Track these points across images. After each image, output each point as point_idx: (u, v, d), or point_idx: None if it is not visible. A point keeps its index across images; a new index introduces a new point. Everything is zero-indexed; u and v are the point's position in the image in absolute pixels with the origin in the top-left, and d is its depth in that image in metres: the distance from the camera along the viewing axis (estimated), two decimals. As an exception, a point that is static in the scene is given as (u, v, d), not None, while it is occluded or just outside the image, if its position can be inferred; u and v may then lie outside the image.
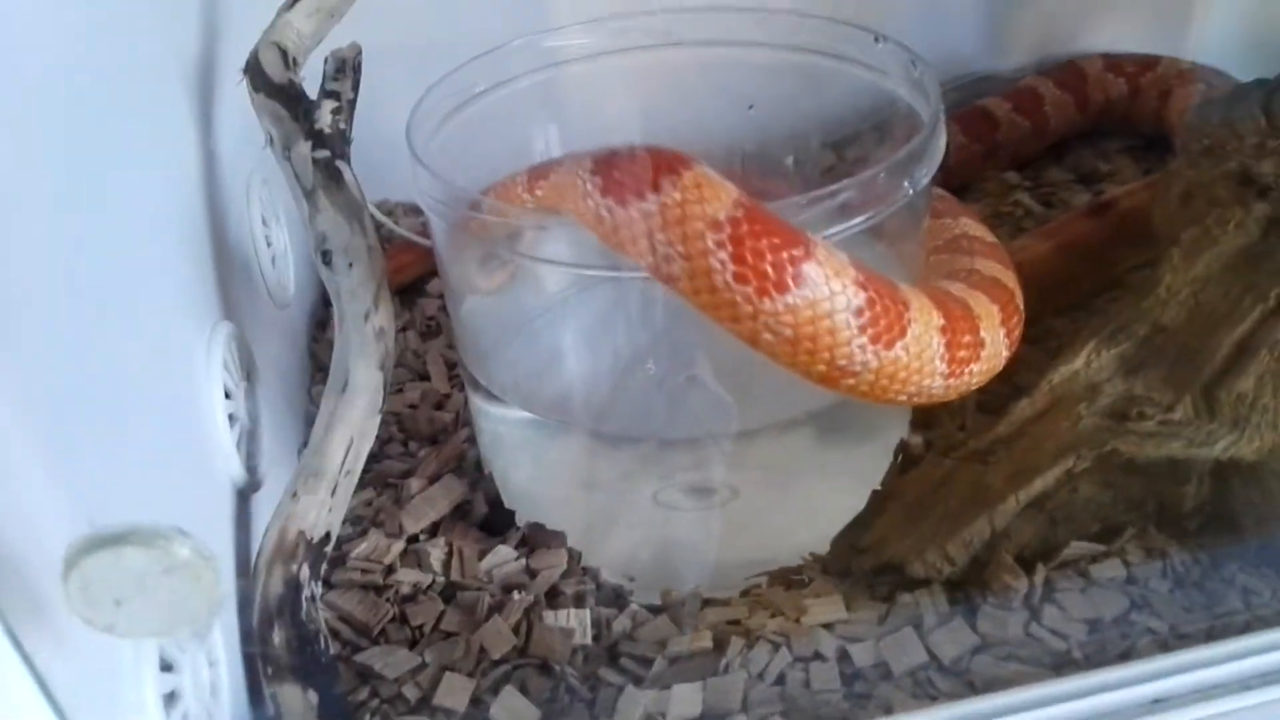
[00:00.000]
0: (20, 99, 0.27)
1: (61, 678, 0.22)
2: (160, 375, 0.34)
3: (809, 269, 0.34)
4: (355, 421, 0.38)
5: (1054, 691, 0.36)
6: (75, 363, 0.28)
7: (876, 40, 0.50)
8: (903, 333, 0.36)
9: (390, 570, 0.45)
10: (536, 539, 0.47)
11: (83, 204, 0.31)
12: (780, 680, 0.40)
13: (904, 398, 0.38)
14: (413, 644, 0.42)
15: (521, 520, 0.48)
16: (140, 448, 0.31)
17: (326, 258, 0.39)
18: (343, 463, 0.38)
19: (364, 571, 0.45)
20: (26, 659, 0.21)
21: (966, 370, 0.39)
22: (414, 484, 0.49)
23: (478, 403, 0.51)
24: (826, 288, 0.34)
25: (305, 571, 0.36)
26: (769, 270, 0.34)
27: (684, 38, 0.55)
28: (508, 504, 0.49)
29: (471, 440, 0.53)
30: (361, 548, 0.46)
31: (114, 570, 0.20)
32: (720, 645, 0.41)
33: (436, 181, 0.42)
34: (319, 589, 0.37)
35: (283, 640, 0.35)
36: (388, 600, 0.43)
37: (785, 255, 0.34)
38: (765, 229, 0.34)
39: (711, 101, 0.57)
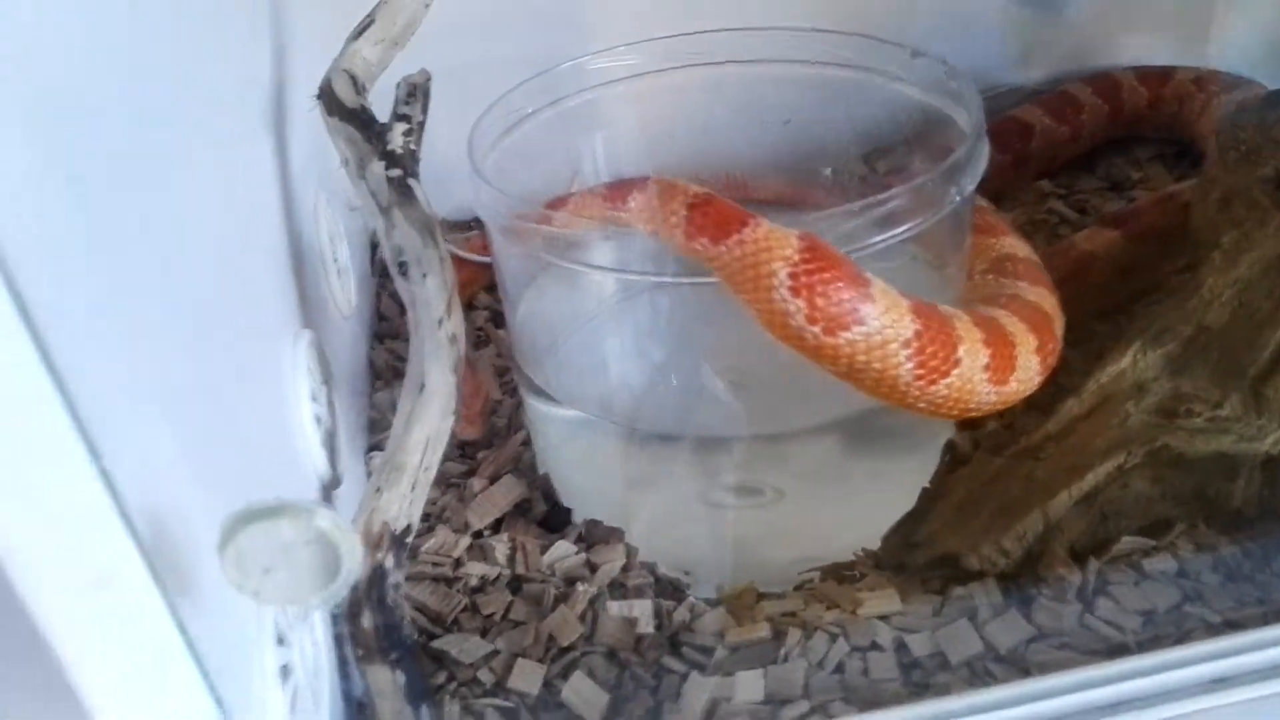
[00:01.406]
0: (138, 128, 0.30)
1: (202, 645, 0.24)
2: (259, 377, 0.37)
3: (866, 309, 0.38)
4: (431, 421, 0.40)
5: (1107, 673, 0.37)
6: (195, 367, 0.30)
7: (913, 55, 0.52)
8: (955, 365, 0.39)
9: (459, 563, 0.47)
10: (595, 535, 0.49)
11: (195, 222, 0.33)
12: (839, 669, 0.42)
13: (954, 414, 0.41)
14: (484, 632, 0.44)
15: (579, 517, 0.50)
16: (245, 443, 0.33)
17: (403, 269, 0.41)
18: (421, 459, 0.40)
19: (434, 564, 0.47)
20: (182, 627, 0.23)
21: (1007, 389, 0.42)
22: (476, 483, 0.51)
23: (534, 405, 0.53)
24: (881, 322, 0.38)
25: (390, 560, 0.38)
26: (834, 311, 0.37)
27: (723, 56, 0.57)
28: (565, 502, 0.51)
29: (527, 443, 0.55)
30: (431, 542, 0.48)
31: (265, 541, 0.22)
32: (778, 636, 0.43)
33: (499, 195, 0.44)
34: (402, 577, 0.39)
35: (371, 624, 0.37)
36: (458, 591, 0.45)
37: (848, 295, 0.37)
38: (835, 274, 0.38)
39: (750, 116, 0.59)
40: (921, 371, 0.38)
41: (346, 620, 0.38)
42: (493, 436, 0.56)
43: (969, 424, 0.52)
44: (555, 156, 0.56)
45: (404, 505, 0.39)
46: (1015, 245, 0.51)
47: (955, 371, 0.39)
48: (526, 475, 0.52)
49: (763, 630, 0.44)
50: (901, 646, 0.42)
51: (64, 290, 0.21)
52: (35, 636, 0.18)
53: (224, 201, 0.38)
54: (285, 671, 0.30)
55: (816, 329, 0.37)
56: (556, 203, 0.45)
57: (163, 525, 0.23)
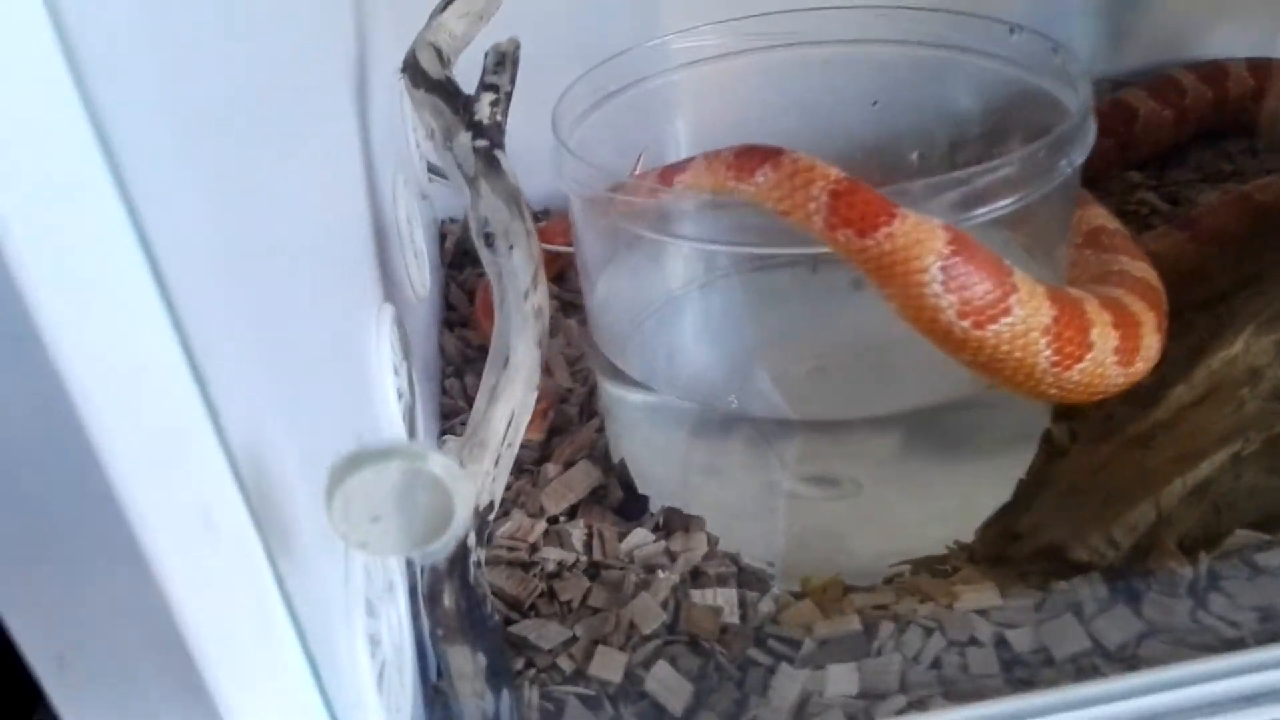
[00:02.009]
0: (254, 97, 0.29)
1: (297, 603, 0.23)
2: (346, 344, 0.36)
3: (1012, 299, 0.37)
4: (515, 396, 0.39)
5: (1225, 666, 0.35)
6: (290, 325, 0.29)
7: (1011, 31, 0.50)
8: (1089, 349, 0.37)
9: (534, 548, 0.46)
10: (674, 523, 0.47)
11: (299, 187, 0.33)
12: (936, 664, 0.40)
13: (1082, 399, 0.40)
14: (562, 618, 0.42)
15: (655, 505, 0.49)
16: (333, 408, 0.32)
17: (489, 240, 0.40)
18: (504, 435, 0.39)
19: (510, 549, 0.45)
20: (280, 579, 0.22)
21: (1134, 369, 0.40)
22: (550, 469, 0.50)
23: (609, 390, 0.51)
24: (1024, 311, 0.37)
25: (472, 537, 0.37)
26: (983, 304, 0.36)
27: (809, 36, 0.56)
28: (641, 489, 0.50)
29: (601, 430, 0.53)
30: (506, 526, 0.47)
31: (375, 486, 0.21)
32: (870, 629, 0.41)
33: (589, 167, 0.43)
34: (483, 555, 0.38)
35: (452, 602, 0.36)
36: (535, 576, 0.44)
37: (996, 287, 0.36)
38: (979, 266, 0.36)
39: (836, 98, 0.57)
40: (1058, 358, 0.37)
41: (426, 599, 0.36)
42: (564, 424, 0.55)
43: (1065, 414, 0.49)
44: (637, 137, 0.54)
45: (486, 481, 0.38)
46: (1104, 216, 0.49)
47: (1089, 356, 0.37)
48: (601, 462, 0.51)
49: (853, 623, 0.42)
50: (1002, 642, 0.40)
51: (181, 233, 0.20)
52: (141, 569, 0.17)
53: (321, 172, 0.37)
54: (374, 643, 0.29)
55: (966, 323, 0.36)
56: (666, 172, 0.43)
57: (262, 474, 0.22)
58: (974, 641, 0.40)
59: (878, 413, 0.48)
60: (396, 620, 0.32)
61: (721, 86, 0.56)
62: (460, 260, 0.70)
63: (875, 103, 0.56)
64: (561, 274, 0.68)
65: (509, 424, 0.39)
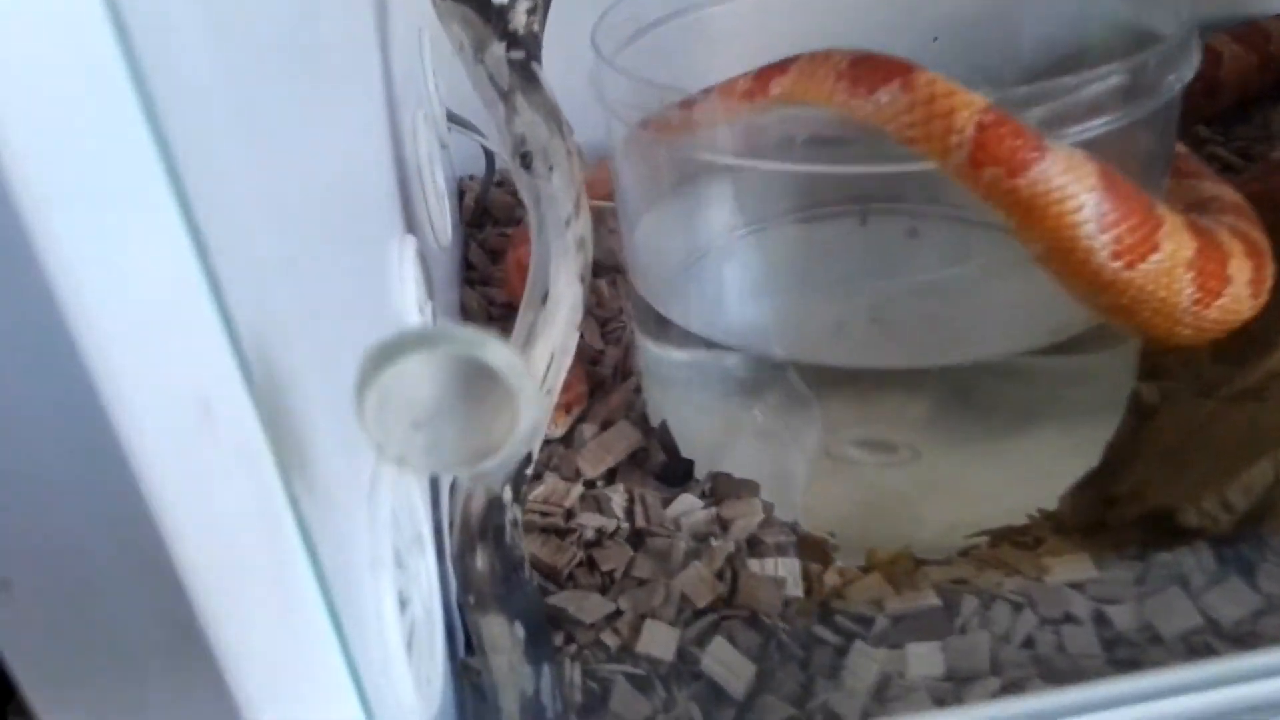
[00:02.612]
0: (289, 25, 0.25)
1: (318, 542, 0.19)
2: (369, 271, 0.31)
3: (1160, 234, 0.33)
4: (555, 336, 0.34)
5: None
6: (312, 242, 0.24)
7: None
8: (1227, 282, 0.34)
9: (570, 514, 0.41)
10: (724, 488, 0.42)
11: (327, 105, 0.28)
12: (1029, 643, 0.35)
13: (1212, 336, 0.36)
14: (603, 589, 0.38)
15: (700, 471, 0.44)
16: (354, 332, 0.28)
17: (526, 160, 0.35)
18: (544, 379, 0.34)
19: (544, 514, 0.41)
20: (294, 505, 0.17)
21: (1259, 301, 0.36)
22: (586, 429, 0.45)
23: (650, 348, 0.47)
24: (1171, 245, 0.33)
25: (508, 492, 0.32)
26: (1135, 241, 0.32)
27: (862, -34, 0.51)
28: (685, 453, 0.45)
29: (638, 390, 0.49)
30: (539, 491, 0.42)
31: (417, 381, 0.16)
32: (950, 605, 0.37)
33: (639, 85, 0.39)
34: (520, 514, 0.33)
35: (486, 565, 0.31)
36: (572, 544, 0.39)
37: (1145, 222, 0.33)
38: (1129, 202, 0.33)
39: (892, 34, 0.53)
40: (1200, 295, 0.33)
41: (456, 561, 0.32)
42: (597, 387, 0.50)
43: (1150, 371, 0.45)
44: (680, 72, 0.50)
45: (524, 430, 0.33)
46: (1220, 189, 0.44)
47: (1228, 290, 0.33)
48: (639, 424, 0.47)
49: (930, 599, 0.37)
50: (1101, 618, 0.36)
51: (201, 133, 0.16)
52: (124, 470, 0.12)
53: (343, 90, 0.33)
54: (402, 601, 0.24)
55: (1119, 264, 0.33)
56: (762, 74, 0.37)
57: (274, 379, 0.18)
58: (1069, 618, 0.36)
59: (941, 362, 0.44)
60: (426, 578, 0.27)
61: (767, 22, 0.51)
62: (480, 219, 0.66)
63: (935, 39, 0.52)
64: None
65: (548, 366, 0.34)
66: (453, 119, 0.62)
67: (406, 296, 0.34)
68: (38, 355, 0.12)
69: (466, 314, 0.55)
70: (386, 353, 0.16)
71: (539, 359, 0.34)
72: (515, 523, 0.33)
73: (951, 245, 0.50)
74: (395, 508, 0.25)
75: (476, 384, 0.17)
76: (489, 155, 0.64)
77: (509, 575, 0.32)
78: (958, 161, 0.32)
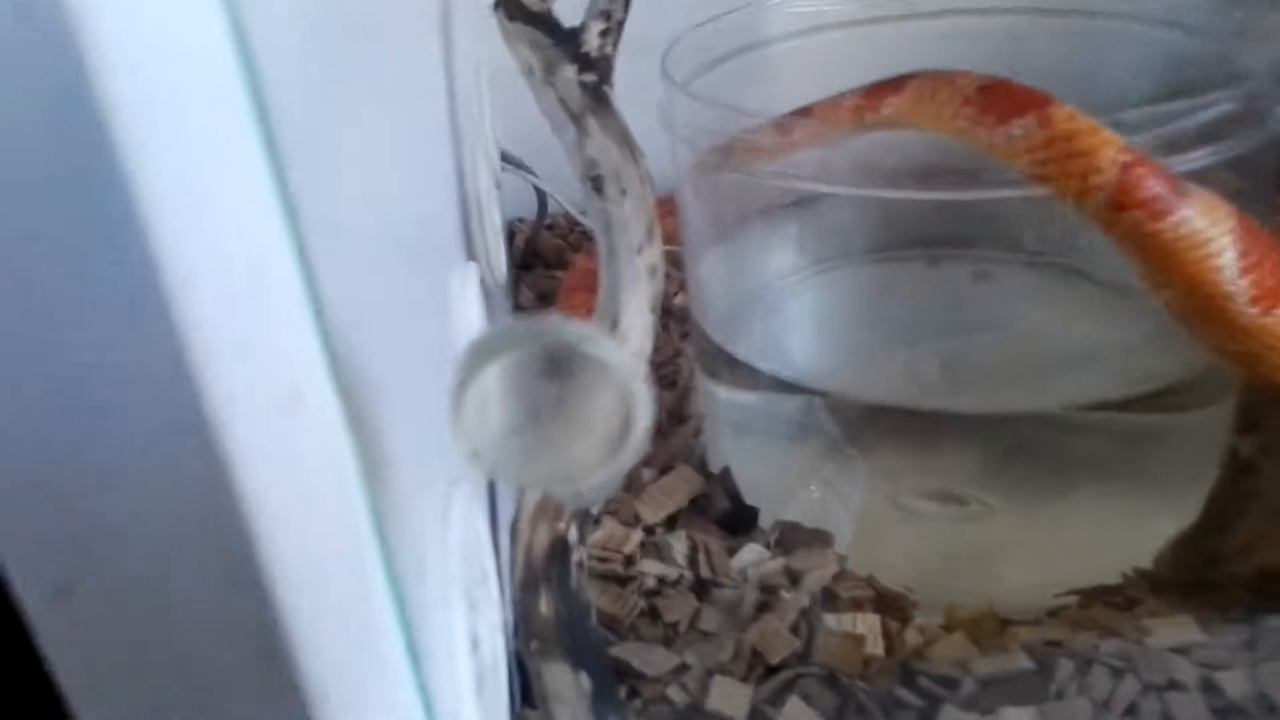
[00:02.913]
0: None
1: (398, 564, 0.17)
2: (438, 295, 0.30)
3: None
4: (627, 366, 0.33)
5: None
6: (393, 267, 0.23)
7: None
8: None
9: (630, 561, 0.39)
10: (793, 538, 0.40)
11: (402, 121, 0.27)
12: (1132, 711, 0.32)
13: None
14: (668, 642, 0.35)
15: (765, 520, 0.42)
16: (425, 361, 0.26)
17: (598, 184, 0.34)
18: (613, 412, 0.32)
19: (602, 560, 0.39)
20: (376, 520, 0.16)
21: None
22: (645, 473, 0.43)
23: (713, 389, 0.45)
24: None
25: (573, 533, 0.30)
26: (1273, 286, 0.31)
27: (930, 7, 0.50)
28: (749, 500, 0.43)
29: (698, 435, 0.47)
30: (597, 535, 0.40)
31: (518, 381, 0.14)
32: (1044, 668, 0.34)
33: (712, 109, 0.38)
34: (585, 555, 0.31)
35: (550, 609, 0.29)
36: (633, 592, 0.37)
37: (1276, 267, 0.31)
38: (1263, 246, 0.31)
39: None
40: None
41: (518, 604, 0.30)
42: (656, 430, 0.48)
43: (1245, 426, 0.42)
44: (750, 103, 0.49)
45: (591, 466, 0.32)
46: None
47: None
48: (700, 469, 0.44)
49: (1021, 661, 0.34)
50: (1210, 686, 0.33)
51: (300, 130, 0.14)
52: (212, 459, 0.11)
53: (420, 113, 0.32)
54: (474, 641, 0.22)
55: (1256, 310, 0.31)
56: (872, 91, 0.35)
57: (358, 389, 0.16)
58: (1174, 685, 0.33)
59: (1016, 409, 0.42)
60: (494, 619, 0.25)
61: (846, 58, 0.50)
62: (530, 260, 0.64)
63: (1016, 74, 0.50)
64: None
65: (618, 400, 0.33)
66: (506, 159, 0.61)
67: (470, 322, 0.33)
68: (128, 328, 0.11)
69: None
70: (490, 348, 0.14)
71: (608, 391, 0.33)
72: (580, 565, 0.31)
73: (1021, 290, 0.48)
74: (466, 541, 0.23)
75: (583, 388, 0.15)
76: (541, 196, 0.63)
77: (574, 621, 0.29)
78: (1096, 203, 0.30)
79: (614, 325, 0.33)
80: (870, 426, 0.44)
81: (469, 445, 0.15)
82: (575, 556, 0.30)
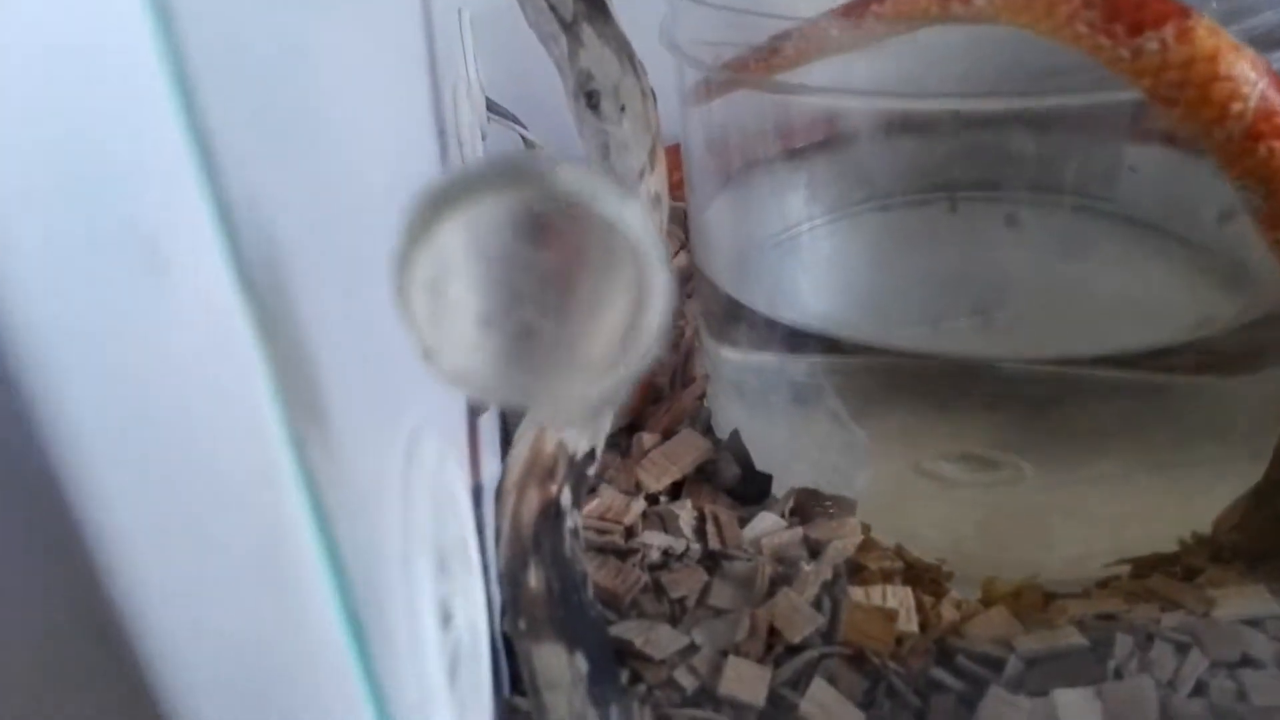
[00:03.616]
0: None
1: (333, 512, 0.13)
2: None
3: None
4: (627, 307, 0.29)
5: None
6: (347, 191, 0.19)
7: None
8: None
9: (631, 533, 0.35)
10: (811, 507, 0.36)
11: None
12: (1201, 690, 0.29)
13: None
14: (674, 619, 0.32)
15: (780, 488, 0.38)
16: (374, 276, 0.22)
17: (593, 100, 0.30)
18: (611, 359, 0.28)
19: (600, 532, 0.35)
20: (298, 450, 0.12)
21: None
22: (646, 439, 0.39)
23: (718, 351, 0.41)
24: None
25: (566, 496, 0.26)
26: None
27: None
28: (760, 466, 0.39)
29: (702, 398, 0.43)
30: (592, 505, 0.36)
31: (492, 248, 0.10)
32: (1099, 645, 0.30)
33: (715, 11, 0.33)
34: (580, 521, 0.27)
35: (541, 583, 0.25)
36: (634, 566, 0.33)
37: None
38: None
39: None
40: None
41: (504, 579, 0.26)
42: (654, 398, 0.44)
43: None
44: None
45: (586, 421, 0.28)
46: None
47: None
48: (706, 434, 0.40)
49: (1072, 637, 0.31)
50: (1290, 664, 0.29)
51: None
52: None
53: (391, 44, 0.28)
54: (445, 615, 0.18)
55: None
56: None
57: (280, 292, 0.12)
58: (1249, 661, 0.29)
59: (1053, 354, 0.38)
60: (473, 594, 0.21)
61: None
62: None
63: None
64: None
65: (617, 344, 0.29)
66: (492, 108, 0.57)
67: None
68: None
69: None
70: (449, 197, 0.10)
71: (605, 335, 0.29)
72: (575, 533, 0.27)
73: (1059, 234, 0.44)
74: (438, 494, 0.19)
75: (579, 256, 0.11)
76: (528, 147, 0.59)
77: (568, 596, 0.26)
78: (1228, 133, 0.26)
79: (611, 261, 0.29)
80: (889, 387, 0.40)
81: (420, 337, 0.11)
82: (569, 523, 0.27)
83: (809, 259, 0.42)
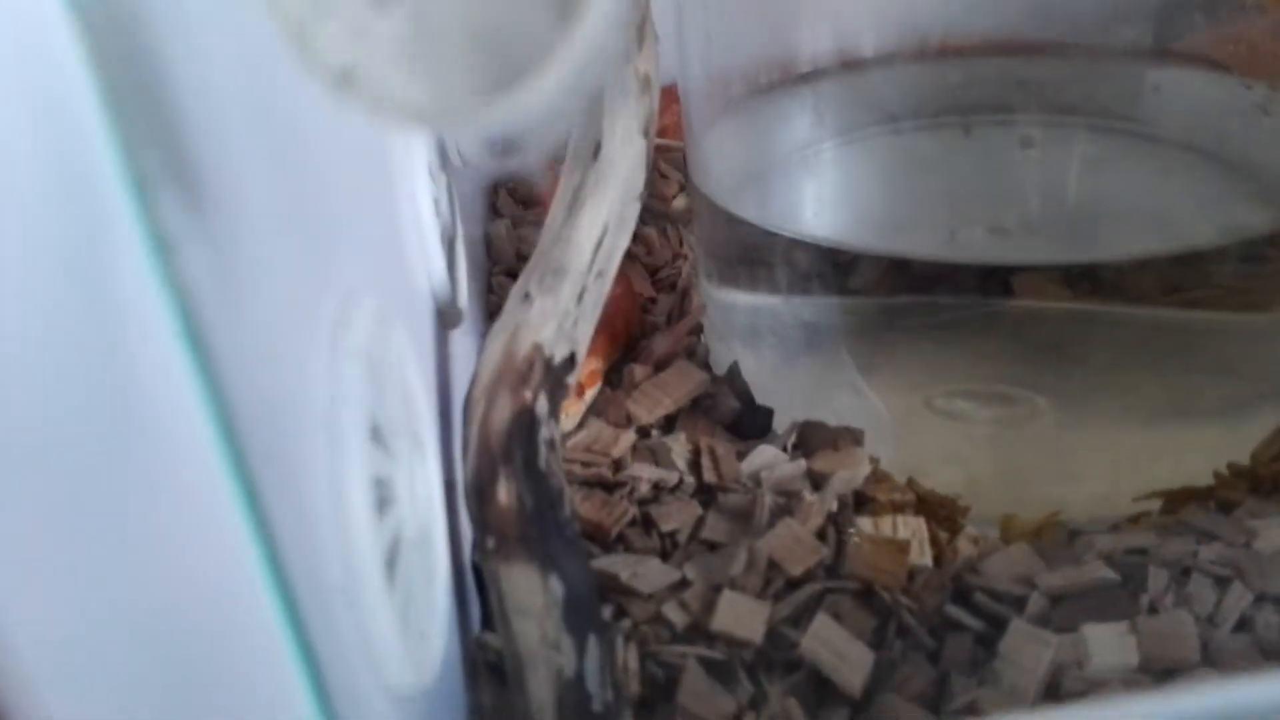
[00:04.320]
0: None
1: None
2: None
3: None
4: (609, 200, 0.26)
5: None
6: None
7: None
8: None
9: (619, 466, 0.32)
10: (815, 440, 0.33)
11: None
12: (1244, 625, 0.26)
13: None
14: (665, 554, 0.29)
15: (781, 425, 0.36)
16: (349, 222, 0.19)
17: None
18: (592, 258, 0.26)
19: (586, 464, 0.32)
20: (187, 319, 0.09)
21: None
22: (638, 370, 0.37)
23: (714, 294, 0.39)
24: None
25: (542, 403, 0.24)
26: None
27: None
28: (761, 400, 0.36)
29: (695, 334, 0.40)
30: (579, 438, 0.33)
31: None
32: (1131, 579, 0.27)
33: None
34: (558, 433, 0.24)
35: (512, 498, 0.23)
36: (622, 499, 0.31)
37: None
38: None
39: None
40: None
41: (471, 494, 0.23)
42: (645, 334, 0.42)
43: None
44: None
45: (565, 323, 0.25)
46: None
47: None
48: (703, 368, 0.38)
49: (1100, 571, 0.28)
50: (1344, 599, 0.26)
51: None
52: None
53: None
54: (382, 489, 0.15)
55: None
56: None
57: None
58: (1296, 597, 0.26)
59: (1070, 259, 0.36)
60: (422, 480, 0.19)
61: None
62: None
63: None
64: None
65: (599, 243, 0.26)
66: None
67: (412, 153, 0.26)
68: None
69: (493, 253, 0.47)
70: None
71: (586, 233, 0.26)
72: (552, 444, 0.24)
73: (1079, 152, 0.41)
74: (375, 361, 0.16)
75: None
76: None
77: (542, 512, 0.23)
78: None
79: (596, 151, 0.27)
80: (898, 322, 0.37)
81: (287, 28, 0.08)
82: (545, 433, 0.24)
83: (818, 177, 0.39)
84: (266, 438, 0.12)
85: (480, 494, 0.23)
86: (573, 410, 0.35)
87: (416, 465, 0.18)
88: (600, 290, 0.26)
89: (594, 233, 0.26)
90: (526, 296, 0.25)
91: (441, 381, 0.27)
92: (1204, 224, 0.34)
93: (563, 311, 0.25)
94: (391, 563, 0.15)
